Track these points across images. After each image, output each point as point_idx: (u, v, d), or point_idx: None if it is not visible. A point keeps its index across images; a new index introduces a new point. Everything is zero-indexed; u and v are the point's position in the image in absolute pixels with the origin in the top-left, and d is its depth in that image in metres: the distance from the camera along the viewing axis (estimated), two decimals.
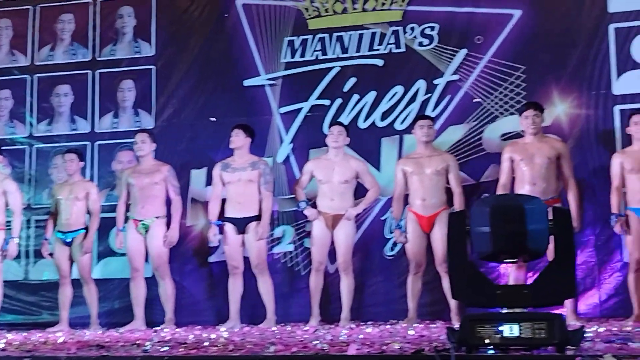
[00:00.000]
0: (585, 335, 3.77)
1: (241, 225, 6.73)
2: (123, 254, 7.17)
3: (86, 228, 7.04)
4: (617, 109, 6.74)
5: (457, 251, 3.70)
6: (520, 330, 3.51)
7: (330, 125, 6.88)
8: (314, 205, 6.77)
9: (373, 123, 7.22)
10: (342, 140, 6.75)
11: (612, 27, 6.81)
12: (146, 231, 6.85)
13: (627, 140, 6.43)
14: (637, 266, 6.15)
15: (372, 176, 6.80)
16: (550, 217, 3.70)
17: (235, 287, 6.79)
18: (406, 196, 6.66)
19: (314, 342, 4.51)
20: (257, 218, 6.74)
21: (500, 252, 3.62)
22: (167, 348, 4.41)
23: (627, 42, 6.77)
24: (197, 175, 7.43)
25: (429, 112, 7.02)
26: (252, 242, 6.72)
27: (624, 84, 6.75)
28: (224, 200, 6.85)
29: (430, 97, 7.11)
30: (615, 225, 6.18)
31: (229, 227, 6.76)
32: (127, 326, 6.76)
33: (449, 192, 6.58)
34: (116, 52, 7.92)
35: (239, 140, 6.84)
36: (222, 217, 6.82)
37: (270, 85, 7.46)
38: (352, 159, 6.81)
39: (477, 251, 3.66)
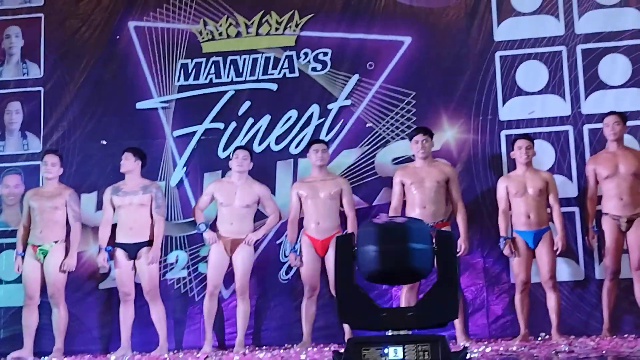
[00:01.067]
0: (467, 355, 3.84)
1: (132, 250, 6.60)
2: (9, 282, 6.92)
3: None
4: (503, 134, 6.96)
5: (343, 274, 3.72)
6: (404, 352, 3.56)
7: (235, 148, 6.85)
8: (214, 228, 6.71)
9: (268, 147, 7.23)
10: (247, 165, 6.73)
11: (498, 55, 7.05)
12: (44, 257, 6.63)
13: (513, 165, 6.65)
14: (523, 287, 6.34)
15: (274, 202, 6.80)
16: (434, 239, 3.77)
17: (126, 314, 6.64)
18: (301, 219, 6.69)
19: None
20: (149, 243, 6.63)
21: (386, 271, 3.65)
22: None
23: (512, 69, 7.01)
24: (88, 200, 7.24)
25: (322, 136, 7.09)
26: (144, 268, 6.60)
27: (509, 110, 6.98)
28: (115, 225, 6.72)
29: (324, 121, 7.17)
30: (504, 247, 6.36)
31: (119, 253, 6.62)
32: (15, 353, 6.51)
33: (343, 215, 6.64)
34: (3, 73, 7.65)
35: (129, 163, 6.73)
36: (113, 242, 6.68)
37: (164, 108, 7.38)
38: (255, 184, 6.79)
39: (364, 272, 3.69)
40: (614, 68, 6.88)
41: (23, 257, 6.68)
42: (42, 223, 6.65)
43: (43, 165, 6.79)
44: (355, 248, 3.73)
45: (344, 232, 6.37)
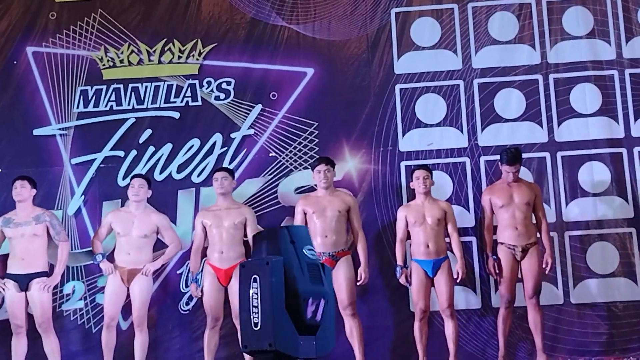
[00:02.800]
0: None
1: (24, 281, 6.40)
2: None
3: None
4: (403, 164, 7.08)
5: (246, 301, 3.70)
6: None
7: (132, 177, 6.76)
8: (111, 259, 6.58)
9: (169, 175, 7.16)
10: (143, 194, 6.64)
11: (398, 87, 7.19)
12: None
13: (413, 195, 6.77)
14: (422, 315, 6.44)
15: (173, 231, 6.73)
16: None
17: (19, 347, 6.44)
18: (205, 249, 6.63)
19: None
20: (42, 274, 6.46)
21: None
22: None
23: (412, 101, 7.16)
24: None
25: (225, 165, 7.05)
26: (36, 299, 6.41)
27: (409, 141, 7.11)
28: (6, 256, 6.51)
29: (227, 150, 7.16)
30: (399, 276, 6.46)
31: (10, 285, 6.42)
32: None
33: (247, 244, 6.61)
34: None
35: (25, 192, 6.55)
36: (4, 273, 6.47)
37: (62, 135, 7.22)
38: (153, 213, 6.70)
39: None
40: (509, 102, 7.11)
41: None
42: None
43: None
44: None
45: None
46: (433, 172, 6.69)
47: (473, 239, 6.90)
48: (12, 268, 6.46)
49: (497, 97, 7.12)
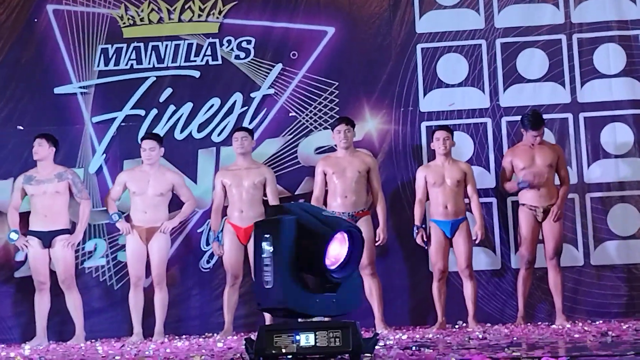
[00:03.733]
0: (378, 342, 3.88)
1: (47, 238, 6.48)
2: None
3: None
4: (423, 125, 7.05)
5: (259, 260, 3.71)
6: (316, 339, 3.58)
7: (142, 139, 6.75)
8: (128, 219, 6.63)
9: (190, 134, 7.17)
10: (156, 155, 6.64)
11: (419, 47, 7.13)
12: None
13: (433, 156, 6.75)
14: (440, 276, 6.46)
15: (188, 189, 6.75)
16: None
17: (42, 303, 6.54)
18: (225, 208, 6.65)
19: (116, 358, 4.40)
20: (64, 231, 6.54)
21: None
22: None
23: (433, 61, 7.10)
24: (3, 187, 7.06)
25: (245, 124, 7.05)
26: (59, 256, 6.49)
27: (429, 101, 7.07)
28: (28, 213, 6.58)
29: (247, 110, 7.14)
30: (417, 236, 6.47)
31: (34, 242, 6.49)
32: None
33: (266, 204, 6.63)
34: None
35: (42, 150, 6.59)
36: (26, 230, 6.55)
37: (83, 93, 7.24)
38: (168, 171, 6.73)
39: None
40: (532, 62, 7.03)
41: None
42: None
43: None
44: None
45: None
46: (454, 132, 6.65)
47: (493, 200, 6.89)
48: (35, 225, 6.53)
49: (520, 57, 7.05)
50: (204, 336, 6.49)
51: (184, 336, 6.58)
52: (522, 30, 7.07)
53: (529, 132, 6.46)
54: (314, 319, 3.73)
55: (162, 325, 6.52)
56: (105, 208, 6.77)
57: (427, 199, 6.55)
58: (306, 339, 3.58)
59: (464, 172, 6.51)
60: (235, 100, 7.17)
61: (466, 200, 6.52)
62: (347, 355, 3.63)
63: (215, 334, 6.50)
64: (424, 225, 6.50)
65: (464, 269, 6.43)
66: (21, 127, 7.20)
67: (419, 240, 6.49)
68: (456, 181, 6.45)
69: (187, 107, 7.17)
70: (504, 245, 6.86)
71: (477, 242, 6.47)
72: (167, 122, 7.16)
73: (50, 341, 6.50)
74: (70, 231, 6.59)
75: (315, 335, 3.57)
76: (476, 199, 6.50)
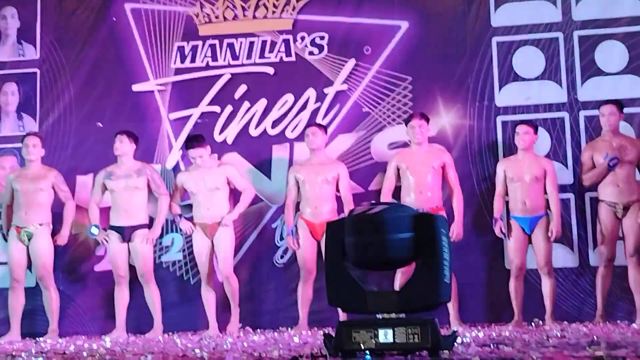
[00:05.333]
0: (457, 339, 3.85)
1: (127, 233, 6.63)
2: (3, 263, 6.94)
3: None
4: (499, 119, 6.95)
5: (333, 258, 3.74)
6: (394, 335, 3.57)
7: (187, 148, 6.77)
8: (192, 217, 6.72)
9: (264, 131, 7.22)
10: (206, 158, 6.68)
11: (495, 40, 7.03)
12: (29, 239, 6.64)
13: (509, 151, 6.65)
14: (517, 272, 6.37)
15: (244, 179, 6.80)
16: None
17: (121, 297, 6.69)
18: (298, 203, 6.69)
19: (196, 351, 4.47)
20: (144, 226, 6.67)
21: (363, 262, 3.67)
22: (41, 359, 4.29)
23: (509, 55, 6.99)
24: (83, 182, 7.25)
25: (319, 120, 7.07)
26: (138, 251, 6.63)
27: (506, 95, 6.97)
28: (108, 208, 6.74)
29: (320, 105, 7.16)
30: (495, 228, 6.40)
31: (114, 236, 6.64)
32: (3, 338, 6.55)
33: (339, 199, 6.65)
34: None
35: (124, 146, 6.73)
36: (107, 225, 6.70)
37: (160, 90, 7.37)
38: (221, 165, 6.81)
39: (349, 258, 3.70)
40: (611, 55, 6.87)
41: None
42: (26, 205, 6.67)
43: (24, 147, 6.79)
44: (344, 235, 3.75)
45: (338, 218, 6.37)
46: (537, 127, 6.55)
47: (571, 196, 6.76)
48: (115, 220, 6.68)
49: (598, 49, 6.89)
50: (278, 330, 6.53)
51: (258, 330, 6.63)
52: (601, 23, 6.91)
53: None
54: (392, 315, 3.73)
55: (237, 317, 6.59)
56: (183, 203, 6.88)
57: (507, 194, 6.47)
58: (385, 335, 3.59)
59: (544, 168, 6.40)
60: (309, 96, 7.20)
61: (546, 196, 6.41)
62: (425, 351, 3.61)
63: (289, 329, 6.54)
64: (502, 218, 6.42)
65: (543, 266, 6.33)
66: (100, 124, 7.37)
67: (497, 232, 6.41)
68: (534, 177, 6.35)
69: (262, 103, 7.23)
70: (582, 242, 6.72)
71: (552, 239, 6.36)
72: (241, 118, 7.24)
73: (128, 334, 6.63)
74: (149, 226, 6.72)
75: (394, 331, 3.57)
76: (555, 196, 6.38)
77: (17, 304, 6.69)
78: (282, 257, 7.05)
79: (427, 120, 6.59)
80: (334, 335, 3.74)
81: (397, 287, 6.30)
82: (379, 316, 3.72)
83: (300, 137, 7.03)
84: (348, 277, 3.73)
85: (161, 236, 7.02)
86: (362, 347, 3.58)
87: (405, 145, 6.80)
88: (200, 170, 6.68)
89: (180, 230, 6.93)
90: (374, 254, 3.63)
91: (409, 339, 3.56)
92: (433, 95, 7.01)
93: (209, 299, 6.64)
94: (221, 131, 7.21)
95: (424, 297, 3.67)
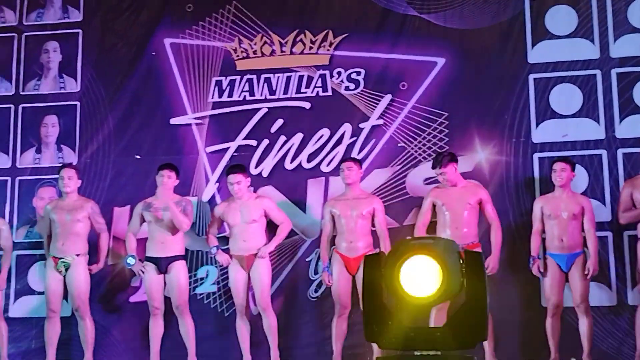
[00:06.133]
0: None
1: (162, 265, 6.66)
2: (41, 293, 7.01)
3: None
4: (536, 156, 6.92)
5: (371, 292, 3.72)
6: None
7: (227, 173, 6.81)
8: (228, 249, 6.75)
9: (299, 164, 7.26)
10: (244, 186, 6.69)
11: (531, 77, 7.02)
12: (66, 270, 6.71)
13: (545, 187, 6.61)
14: (554, 311, 6.30)
15: (280, 211, 6.80)
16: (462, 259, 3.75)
17: (156, 328, 6.70)
18: (333, 237, 6.69)
19: None
20: (179, 258, 6.72)
21: None
22: None
23: (546, 91, 6.98)
24: (120, 213, 7.33)
25: (354, 155, 7.09)
26: (174, 283, 6.65)
27: (542, 132, 6.94)
28: (145, 239, 6.79)
29: (356, 140, 7.19)
30: (532, 267, 6.34)
31: (150, 267, 6.68)
32: None
33: (375, 234, 6.64)
34: (40, 86, 7.79)
35: (171, 182, 6.78)
36: (143, 256, 6.75)
37: (197, 124, 7.45)
38: (258, 198, 6.81)
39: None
40: None
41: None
42: (63, 236, 6.74)
43: (60, 179, 6.88)
44: (383, 269, 3.73)
45: (374, 251, 6.36)
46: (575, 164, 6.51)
47: (609, 234, 6.68)
48: (151, 251, 6.72)
49: (637, 87, 6.85)
50: None
51: None
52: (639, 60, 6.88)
53: None
54: (430, 352, 3.70)
55: (276, 351, 6.58)
56: (218, 235, 6.89)
57: (544, 231, 6.42)
58: None
59: (582, 206, 6.34)
60: (345, 131, 7.23)
61: (583, 234, 6.35)
62: None
63: None
64: (540, 256, 6.37)
65: (580, 304, 6.25)
66: (139, 157, 7.46)
67: (535, 271, 6.35)
68: (572, 214, 6.30)
69: (298, 137, 7.28)
70: (620, 281, 6.63)
71: (588, 277, 6.28)
72: (277, 152, 7.28)
73: None
74: (184, 257, 6.76)
75: None
76: (593, 233, 6.31)
77: (53, 333, 6.74)
78: (316, 291, 7.04)
79: (454, 160, 6.53)
80: None
81: (431, 323, 6.24)
82: (417, 353, 3.69)
83: (335, 172, 7.05)
84: (386, 312, 3.71)
85: (196, 268, 7.06)
86: None
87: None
88: (238, 202, 6.71)
89: (216, 262, 6.96)
90: None
91: None
92: (469, 131, 7.01)
93: (243, 331, 6.64)
94: (257, 164, 7.25)
95: (466, 335, 3.63)
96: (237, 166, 6.84)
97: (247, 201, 6.72)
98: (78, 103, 7.67)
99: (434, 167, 6.52)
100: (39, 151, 7.69)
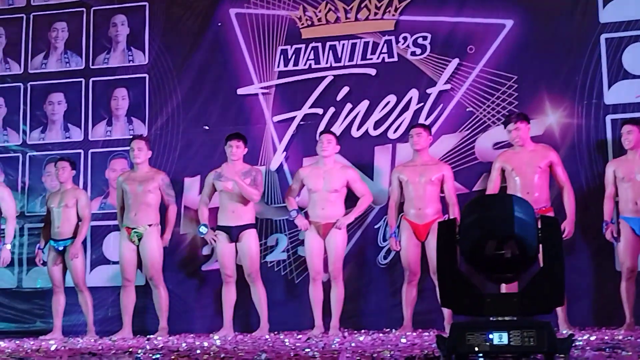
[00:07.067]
0: (574, 343, 3.77)
1: (234, 233, 6.75)
2: (116, 262, 7.18)
3: None
4: (608, 118, 6.77)
5: (446, 259, 3.71)
6: (509, 338, 3.53)
7: (320, 133, 6.89)
8: (306, 215, 6.79)
9: (366, 132, 7.24)
10: (332, 149, 6.74)
11: (603, 37, 6.85)
12: (139, 239, 6.85)
13: (619, 150, 6.47)
14: (629, 275, 6.19)
15: (364, 184, 6.81)
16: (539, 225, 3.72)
17: (228, 296, 6.80)
18: (401, 204, 6.68)
19: (306, 350, 4.52)
20: (251, 226, 6.78)
21: (488, 238, 3.58)
22: (158, 356, 4.42)
23: (618, 52, 6.80)
24: (191, 184, 7.45)
25: (421, 121, 7.04)
26: (246, 251, 6.74)
27: (615, 93, 6.78)
28: (217, 209, 6.88)
29: (423, 106, 7.14)
30: (606, 232, 6.24)
31: (222, 236, 6.77)
32: (116, 335, 6.77)
33: (443, 200, 6.61)
34: (109, 60, 7.93)
35: (239, 152, 6.84)
36: (215, 225, 6.84)
37: (264, 93, 7.48)
38: (343, 168, 6.81)
39: (466, 251, 3.65)
40: None
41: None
42: (135, 206, 6.87)
43: (130, 150, 7.00)
44: (458, 236, 3.72)
45: (446, 218, 6.33)
46: None
47: None
48: (223, 220, 6.81)
49: None
50: (382, 331, 6.54)
51: (362, 331, 6.65)
52: None
53: None
54: (506, 318, 3.68)
55: (337, 320, 6.60)
56: (285, 204, 6.96)
57: (617, 195, 6.29)
58: (499, 338, 3.54)
59: None
60: (412, 97, 7.18)
61: None
62: (541, 355, 3.56)
63: (393, 330, 6.53)
64: (613, 221, 6.25)
65: None
66: (207, 127, 7.54)
67: (608, 236, 6.24)
68: None
69: (364, 104, 7.25)
70: None
71: None
72: (344, 119, 7.28)
73: (235, 332, 6.75)
74: (255, 226, 6.83)
75: (509, 334, 3.52)
76: None
77: (128, 302, 6.91)
78: (385, 257, 7.06)
79: (527, 120, 6.45)
80: (445, 336, 3.72)
81: (502, 289, 6.20)
82: (492, 318, 3.67)
83: (403, 138, 7.02)
84: (461, 278, 3.70)
85: (266, 236, 7.13)
86: (476, 350, 3.55)
87: (510, 145, 6.69)
88: (321, 169, 6.72)
89: (286, 230, 6.99)
90: (500, 230, 3.53)
91: (524, 342, 3.50)
92: (539, 94, 6.88)
93: (316, 297, 6.67)
94: (320, 132, 7.25)
95: (543, 301, 3.61)
96: (328, 130, 6.92)
97: (331, 169, 6.73)
98: (146, 75, 7.79)
99: (507, 125, 6.43)
100: (110, 124, 7.85)
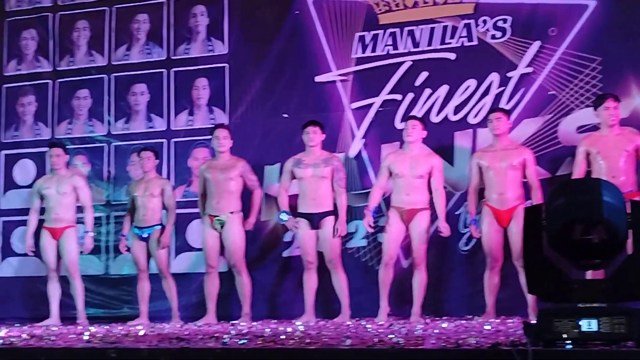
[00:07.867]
0: None
1: (315, 220, 6.79)
2: (200, 249, 7.31)
3: (162, 224, 7.20)
4: None
5: (532, 245, 3.67)
6: (599, 325, 3.47)
7: (406, 119, 6.86)
8: (388, 200, 6.75)
9: (446, 117, 7.19)
10: (417, 134, 6.70)
11: None
12: (221, 227, 6.96)
13: None
14: None
15: (442, 177, 6.68)
16: (629, 210, 3.64)
17: (309, 282, 6.85)
18: (481, 190, 6.61)
19: (390, 336, 4.53)
20: (331, 213, 6.80)
21: (575, 222, 3.52)
22: (244, 341, 4.49)
23: None
24: (271, 171, 7.52)
25: (502, 105, 6.95)
26: (327, 237, 6.78)
27: None
28: (296, 196, 6.93)
29: (504, 90, 7.04)
30: None
31: (303, 223, 6.82)
32: (201, 320, 6.89)
33: (525, 185, 6.51)
34: (190, 50, 8.06)
35: (317, 137, 6.88)
36: (295, 212, 6.90)
37: (342, 80, 7.49)
38: (430, 154, 6.75)
39: (552, 236, 3.59)
40: None
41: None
42: (217, 194, 6.96)
43: (214, 139, 7.07)
44: (544, 221, 3.67)
45: (531, 204, 6.23)
46: None
47: None
48: (303, 207, 6.85)
49: None
50: (464, 318, 6.49)
51: (444, 317, 6.61)
52: None
53: None
54: (595, 305, 3.62)
55: (419, 306, 6.56)
56: (365, 191, 6.97)
57: None
58: (588, 325, 3.49)
59: None
60: (492, 81, 7.09)
61: None
62: (631, 342, 3.49)
63: (475, 316, 6.47)
64: None
65: None
66: (286, 115, 7.60)
67: None
68: None
69: (443, 89, 7.20)
70: None
71: None
72: (423, 105, 7.24)
73: (317, 318, 6.79)
74: (335, 213, 6.84)
75: (599, 321, 3.47)
76: None
77: (212, 288, 7.03)
78: (466, 244, 7.00)
79: (618, 101, 6.31)
80: (532, 323, 3.68)
81: (588, 275, 6.09)
82: (580, 305, 3.62)
83: (483, 123, 6.93)
84: (548, 265, 3.65)
85: (346, 223, 7.15)
86: (564, 337, 3.50)
87: (594, 128, 6.54)
88: (408, 154, 6.68)
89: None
90: (589, 211, 3.47)
91: (614, 329, 3.44)
92: (625, 75, 6.70)
93: (385, 280, 6.61)
94: (402, 119, 7.23)
95: (632, 287, 3.54)
96: (413, 116, 6.85)
97: (417, 155, 6.69)
98: (226, 65, 7.89)
99: (598, 105, 6.27)
100: (191, 113, 7.99)
